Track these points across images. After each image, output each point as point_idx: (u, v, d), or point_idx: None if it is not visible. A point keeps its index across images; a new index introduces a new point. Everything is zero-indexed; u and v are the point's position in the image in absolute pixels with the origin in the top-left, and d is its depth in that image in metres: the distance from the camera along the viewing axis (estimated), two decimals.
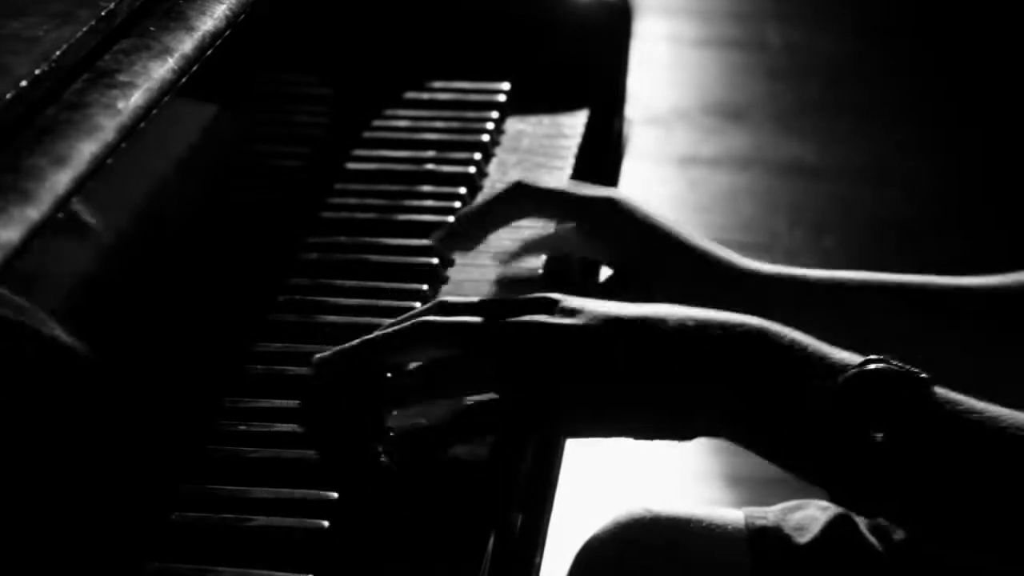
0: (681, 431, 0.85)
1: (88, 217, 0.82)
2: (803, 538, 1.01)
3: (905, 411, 0.80)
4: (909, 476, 0.80)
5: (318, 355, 0.90)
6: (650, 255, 1.03)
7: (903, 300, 1.04)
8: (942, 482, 0.80)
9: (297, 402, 0.92)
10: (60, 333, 0.81)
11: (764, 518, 1.03)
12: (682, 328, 0.84)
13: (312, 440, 0.89)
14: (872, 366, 0.81)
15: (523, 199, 1.05)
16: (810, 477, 0.83)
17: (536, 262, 1.09)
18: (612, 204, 1.04)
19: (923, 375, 0.81)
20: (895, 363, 0.81)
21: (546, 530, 1.01)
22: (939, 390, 0.81)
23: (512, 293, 1.06)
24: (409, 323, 0.88)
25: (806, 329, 1.02)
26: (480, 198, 1.09)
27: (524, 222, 1.07)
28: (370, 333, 0.90)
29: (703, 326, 0.84)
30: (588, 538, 1.05)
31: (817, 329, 1.03)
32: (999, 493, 0.80)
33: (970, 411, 0.81)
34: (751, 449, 0.84)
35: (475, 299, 0.89)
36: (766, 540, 1.01)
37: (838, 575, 1.01)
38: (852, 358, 0.82)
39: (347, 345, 0.89)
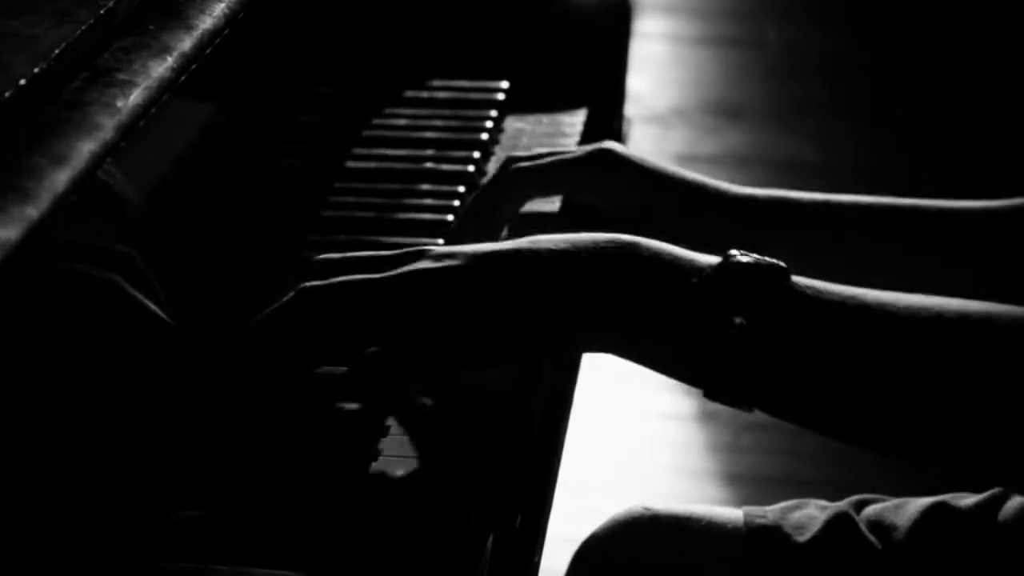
0: (559, 347, 0.86)
1: (88, 215, 0.82)
2: (802, 537, 1.01)
3: (763, 298, 0.81)
4: (773, 363, 0.81)
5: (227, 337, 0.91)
6: (644, 194, 1.06)
7: (894, 220, 1.04)
8: (808, 366, 0.81)
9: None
10: (59, 329, 0.81)
11: (763, 517, 1.03)
12: (554, 251, 0.85)
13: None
14: (734, 259, 0.83)
15: (519, 184, 1.07)
16: (684, 377, 0.84)
17: (552, 206, 1.10)
18: (601, 156, 1.06)
19: (781, 264, 0.82)
20: (754, 256, 0.83)
21: (545, 529, 1.01)
22: (799, 279, 0.82)
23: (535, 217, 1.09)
24: (292, 293, 0.87)
25: (800, 249, 1.03)
26: (480, 191, 1.10)
27: None
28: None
29: (575, 246, 0.86)
30: (587, 537, 1.05)
31: (810, 250, 1.04)
32: (866, 373, 0.81)
33: (831, 294, 0.82)
34: (624, 356, 0.85)
35: (350, 255, 0.89)
36: (765, 539, 1.01)
37: (837, 574, 1.01)
38: (713, 259, 0.84)
39: (241, 330, 0.89)
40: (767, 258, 0.83)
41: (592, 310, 0.84)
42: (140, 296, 0.87)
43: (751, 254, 0.83)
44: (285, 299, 0.87)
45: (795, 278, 0.83)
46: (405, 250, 0.88)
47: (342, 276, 0.87)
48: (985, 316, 0.81)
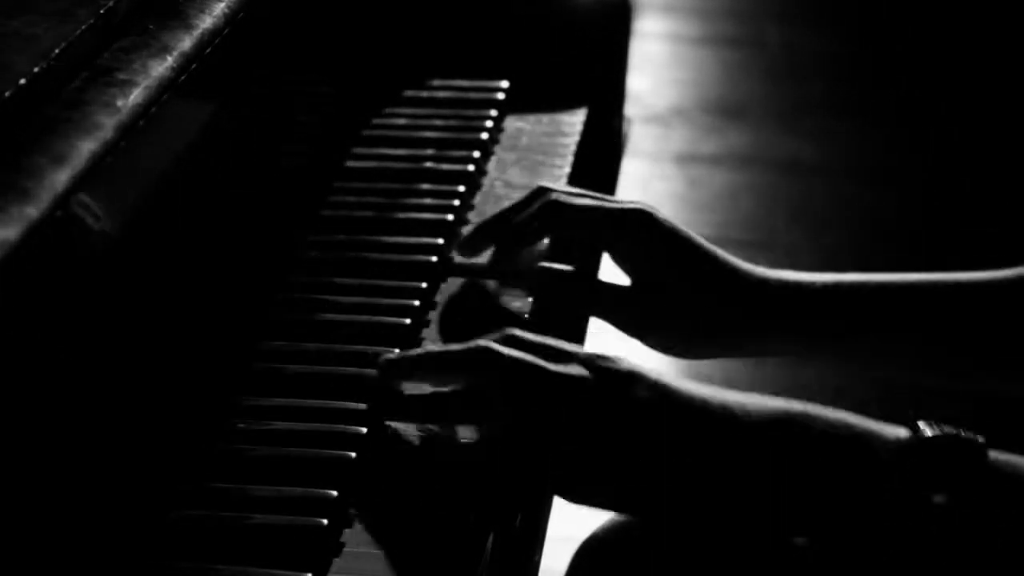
0: (725, 523, 0.85)
1: (88, 215, 0.82)
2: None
3: (967, 480, 0.80)
4: (969, 542, 0.80)
5: (386, 357, 0.93)
6: (675, 266, 1.03)
7: (911, 307, 1.04)
8: (1001, 544, 0.80)
9: (296, 400, 0.92)
10: (58, 329, 0.81)
11: None
12: (727, 414, 0.84)
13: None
14: (927, 433, 0.81)
15: (554, 219, 1.05)
16: (851, 543, 0.83)
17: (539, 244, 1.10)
18: (641, 221, 1.03)
19: (979, 440, 0.81)
20: (947, 429, 0.81)
21: (545, 529, 1.01)
22: (993, 453, 0.81)
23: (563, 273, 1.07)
24: (471, 345, 0.89)
25: (817, 334, 1.02)
26: (505, 209, 1.08)
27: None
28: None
29: (747, 413, 0.84)
30: (587, 537, 1.05)
31: (825, 334, 1.03)
32: None
33: None
34: (804, 534, 0.84)
35: (540, 339, 0.90)
36: (765, 539, 1.01)
37: (838, 574, 1.01)
38: (899, 431, 0.82)
39: (412, 354, 0.92)
40: (963, 432, 0.81)
41: (765, 487, 0.83)
42: None
43: (943, 427, 0.82)
44: (460, 346, 0.89)
45: (991, 453, 0.81)
46: (595, 352, 0.88)
47: (522, 353, 0.87)
48: None
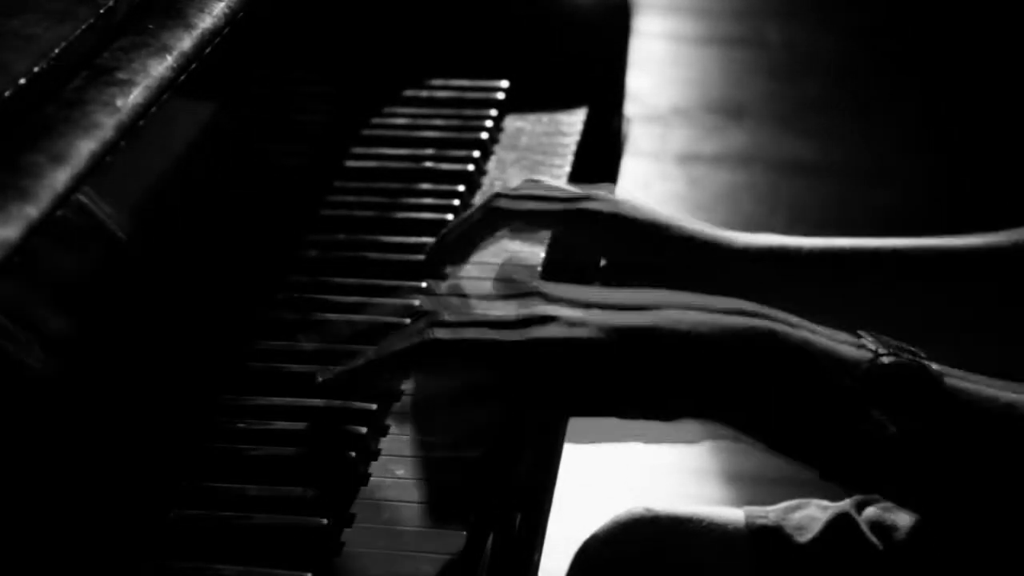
0: (668, 415, 0.84)
1: (87, 215, 0.82)
2: (804, 537, 1.01)
3: (921, 405, 0.80)
4: (920, 463, 0.80)
5: (322, 376, 0.88)
6: (641, 252, 1.03)
7: (901, 267, 1.04)
8: (951, 466, 0.81)
9: (296, 400, 0.91)
10: (58, 329, 0.81)
11: (764, 517, 1.03)
12: (694, 334, 0.83)
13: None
14: (884, 359, 0.81)
15: (501, 223, 1.04)
16: (807, 460, 0.83)
17: (536, 249, 1.09)
18: (585, 218, 1.03)
19: (934, 367, 0.82)
20: (903, 353, 0.82)
21: (545, 529, 1.01)
22: (948, 380, 0.82)
23: (512, 284, 1.06)
24: (415, 342, 0.84)
25: (801, 297, 1.02)
26: (463, 216, 1.07)
27: None
28: (368, 343, 0.88)
29: (715, 329, 0.83)
30: (588, 537, 1.05)
31: (813, 297, 1.03)
32: (1007, 472, 0.81)
33: (980, 398, 0.81)
34: (762, 443, 0.83)
35: (470, 313, 0.86)
36: (767, 539, 1.01)
37: (839, 574, 1.01)
38: (861, 354, 0.82)
39: (351, 366, 0.87)
40: (912, 357, 0.82)
41: (729, 398, 0.82)
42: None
43: (899, 349, 0.82)
44: (408, 344, 0.84)
45: (945, 378, 0.82)
46: (531, 312, 0.85)
47: (468, 332, 0.84)
48: None
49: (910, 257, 1.04)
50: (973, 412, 0.81)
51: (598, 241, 1.04)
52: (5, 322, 0.75)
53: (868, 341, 0.83)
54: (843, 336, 0.84)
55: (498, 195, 1.05)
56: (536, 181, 1.07)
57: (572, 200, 1.04)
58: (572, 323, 0.83)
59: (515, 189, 1.06)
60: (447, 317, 0.85)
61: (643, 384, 0.82)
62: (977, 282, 1.04)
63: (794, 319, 0.84)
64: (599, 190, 1.05)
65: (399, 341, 0.85)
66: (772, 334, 0.83)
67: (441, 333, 0.84)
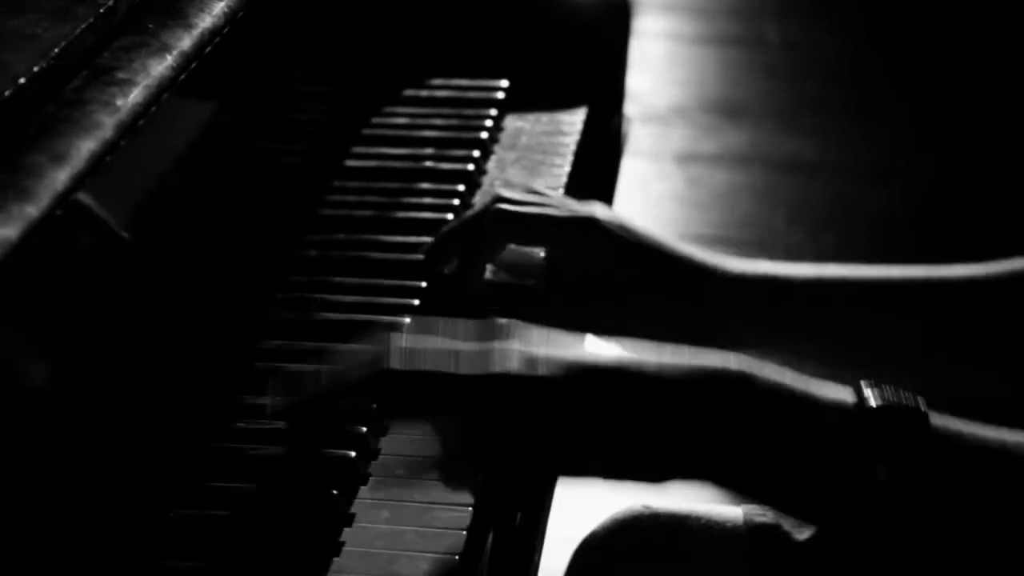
0: (659, 480, 0.81)
1: (87, 215, 0.82)
2: (802, 535, 1.01)
3: (908, 448, 0.78)
4: (913, 510, 0.78)
5: (273, 407, 0.83)
6: (638, 266, 1.03)
7: (883, 298, 1.04)
8: (947, 512, 0.79)
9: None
10: (57, 329, 0.81)
11: (763, 515, 1.03)
12: (663, 377, 0.80)
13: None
14: (871, 403, 0.79)
15: (499, 229, 1.04)
16: (808, 518, 0.82)
17: (537, 252, 1.09)
18: (584, 227, 1.03)
19: (922, 409, 0.79)
20: (888, 394, 0.79)
21: (545, 527, 1.01)
22: (937, 421, 0.79)
23: (512, 287, 1.06)
24: (371, 373, 0.81)
25: (784, 325, 1.02)
26: (462, 217, 1.07)
27: None
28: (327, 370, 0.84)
29: (683, 375, 0.80)
30: (587, 535, 1.05)
31: (796, 326, 1.03)
32: (1009, 515, 0.79)
33: (975, 440, 0.79)
34: (741, 494, 0.81)
35: (433, 341, 0.83)
36: (765, 537, 1.01)
37: (837, 572, 1.01)
38: (843, 395, 0.80)
39: (305, 397, 0.83)
40: (903, 399, 0.79)
41: (700, 447, 0.79)
42: None
43: (884, 391, 0.79)
44: (363, 374, 0.81)
45: (933, 420, 0.79)
46: (488, 345, 0.81)
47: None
48: None
49: (894, 287, 1.04)
50: (965, 453, 0.79)
51: (595, 251, 1.03)
52: (4, 322, 0.75)
53: (864, 387, 0.80)
54: (832, 385, 0.81)
55: (499, 197, 1.05)
56: (537, 192, 1.07)
57: (573, 209, 1.04)
58: (532, 362, 0.80)
59: (516, 190, 1.06)
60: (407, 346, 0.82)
61: (609, 428, 0.79)
62: (960, 313, 1.03)
63: (777, 368, 0.81)
64: (596, 204, 1.05)
65: (352, 369, 0.82)
66: (744, 376, 0.80)
67: (395, 365, 0.80)
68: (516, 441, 0.80)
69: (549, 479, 1.04)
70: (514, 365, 0.80)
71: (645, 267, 1.03)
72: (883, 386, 0.80)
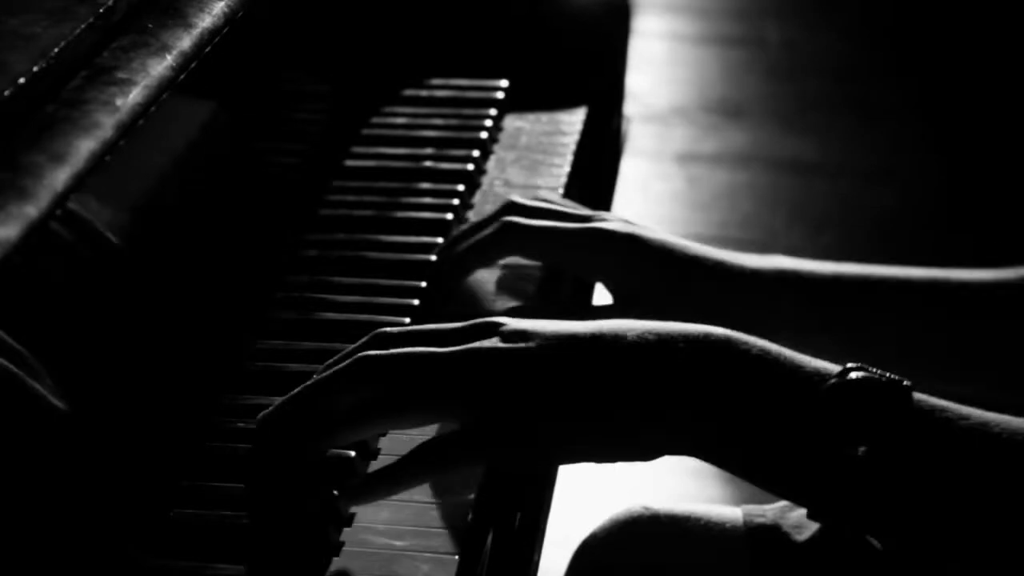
0: (644, 453, 0.81)
1: (87, 214, 0.82)
2: (801, 536, 1.01)
3: (889, 422, 0.77)
4: (895, 489, 0.77)
5: (261, 414, 0.82)
6: (655, 275, 1.02)
7: (901, 298, 1.03)
8: (931, 493, 0.77)
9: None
10: (56, 329, 0.81)
11: (762, 516, 1.03)
12: (641, 343, 0.79)
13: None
14: (853, 375, 0.78)
15: (509, 241, 1.03)
16: (787, 494, 0.81)
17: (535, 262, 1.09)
18: (595, 241, 1.02)
19: (905, 383, 0.78)
20: (874, 371, 0.79)
21: (544, 528, 1.01)
22: (922, 397, 0.79)
23: (511, 294, 1.06)
24: (348, 361, 0.81)
25: (808, 326, 1.01)
26: (474, 225, 1.07)
27: None
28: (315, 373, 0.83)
29: (664, 340, 0.79)
30: (586, 536, 1.05)
31: (820, 327, 1.02)
32: (994, 500, 0.78)
33: (958, 418, 0.78)
34: (723, 467, 0.80)
35: (413, 328, 0.83)
36: (764, 538, 1.01)
37: (837, 573, 1.01)
38: (828, 367, 0.79)
39: (289, 395, 0.81)
40: (888, 375, 0.78)
41: (683, 416, 0.78)
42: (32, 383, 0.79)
43: (870, 368, 0.78)
44: (342, 365, 0.81)
45: (915, 395, 0.78)
46: (472, 323, 0.82)
47: (404, 348, 0.80)
48: None
49: (913, 287, 1.03)
50: (951, 431, 0.77)
51: (609, 262, 1.03)
52: (3, 321, 0.75)
53: (851, 366, 0.79)
54: (819, 360, 0.80)
55: (511, 205, 1.05)
56: (547, 200, 1.06)
57: (586, 219, 1.04)
58: (512, 334, 0.80)
59: (528, 202, 1.05)
60: (388, 331, 0.83)
61: (591, 396, 0.79)
62: (980, 319, 1.02)
63: (760, 339, 0.80)
64: (607, 216, 1.05)
65: (332, 364, 0.82)
66: (727, 338, 0.80)
67: (371, 352, 0.80)
68: (487, 424, 0.80)
69: (548, 479, 1.04)
70: (493, 341, 0.80)
71: (668, 271, 1.02)
72: (867, 366, 0.79)
